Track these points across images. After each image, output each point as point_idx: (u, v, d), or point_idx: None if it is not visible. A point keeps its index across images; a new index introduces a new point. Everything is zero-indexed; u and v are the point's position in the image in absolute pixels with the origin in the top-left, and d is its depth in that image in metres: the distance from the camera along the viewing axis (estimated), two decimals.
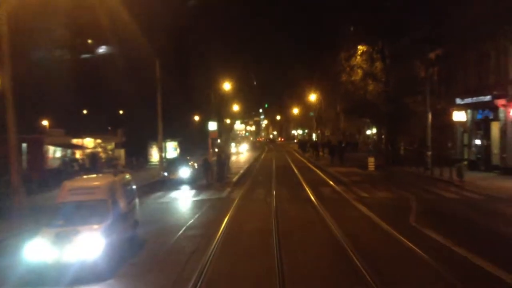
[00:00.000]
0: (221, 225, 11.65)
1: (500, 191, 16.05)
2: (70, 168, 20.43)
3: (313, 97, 64.93)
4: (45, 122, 30.76)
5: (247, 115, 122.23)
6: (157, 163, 28.35)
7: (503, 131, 21.05)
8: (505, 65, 20.71)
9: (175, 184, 21.32)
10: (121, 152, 28.00)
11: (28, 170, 17.59)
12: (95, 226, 8.56)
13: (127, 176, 11.36)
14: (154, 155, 31.46)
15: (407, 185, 18.51)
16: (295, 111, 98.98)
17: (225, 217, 12.78)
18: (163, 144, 29.16)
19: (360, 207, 13.80)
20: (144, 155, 31.45)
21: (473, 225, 11.48)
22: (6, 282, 8.15)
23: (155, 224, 12.26)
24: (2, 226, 11.98)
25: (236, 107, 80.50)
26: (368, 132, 48.55)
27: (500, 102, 20.43)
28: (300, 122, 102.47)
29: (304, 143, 55.04)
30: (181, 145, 36.41)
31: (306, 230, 11.26)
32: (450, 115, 25.49)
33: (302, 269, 8.08)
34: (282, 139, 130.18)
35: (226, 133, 67.86)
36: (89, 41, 24.93)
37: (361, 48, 29.92)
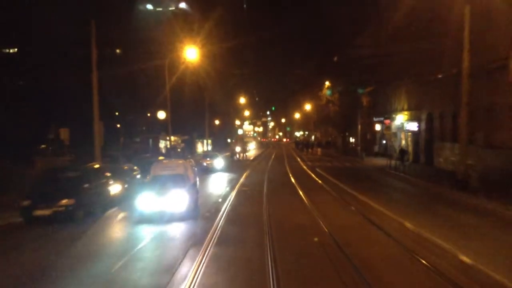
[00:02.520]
0: (245, 172, 31.53)
1: (373, 164, 36.05)
2: (170, 152, 40.71)
3: (308, 107, 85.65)
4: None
5: (255, 116, 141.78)
6: (201, 153, 48.61)
7: (390, 136, 41.34)
8: (391, 102, 40.83)
9: (212, 170, 31.80)
10: (182, 145, 48.35)
11: (152, 152, 37.99)
12: (181, 188, 13.48)
13: (192, 161, 19.12)
14: (199, 148, 52.10)
15: (334, 161, 38.86)
16: (297, 115, 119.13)
17: (246, 170, 32.89)
18: (204, 141, 49.71)
19: (304, 166, 34.15)
20: (193, 147, 51.97)
21: (345, 172, 31.37)
22: (129, 220, 13.72)
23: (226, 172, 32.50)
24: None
25: (247, 113, 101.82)
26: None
27: (386, 122, 40.64)
28: (301, 125, 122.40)
29: (298, 142, 75.54)
30: (212, 142, 56.96)
31: (278, 172, 31.24)
32: (374, 126, 45.85)
33: (275, 177, 28.15)
34: (275, 139, 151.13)
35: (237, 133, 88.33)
36: None
37: (326, 84, 50.42)
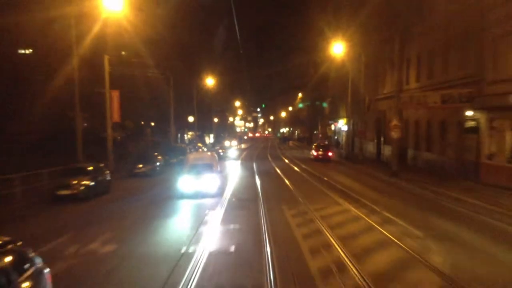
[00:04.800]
0: (243, 154, 54.43)
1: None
2: (192, 142, 63.00)
3: (290, 108, 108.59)
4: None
5: (245, 112, 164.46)
6: (209, 145, 71.23)
7: (332, 134, 64.43)
8: (338, 111, 63.73)
9: (227, 157, 47.18)
10: (195, 138, 70.72)
11: (181, 141, 60.23)
12: (213, 174, 18.81)
13: (215, 154, 24.36)
14: (207, 140, 74.64)
15: (299, 149, 61.88)
16: (283, 114, 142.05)
17: (243, 153, 55.71)
18: (210, 135, 72.51)
19: (278, 152, 57.19)
20: (203, 140, 74.41)
21: (300, 155, 54.38)
22: (173, 196, 18.60)
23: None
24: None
25: (239, 111, 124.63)
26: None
27: (335, 124, 63.67)
28: (287, 123, 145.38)
29: (280, 137, 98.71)
30: (215, 136, 79.63)
31: (261, 155, 54.20)
32: (330, 126, 68.94)
33: (259, 157, 50.98)
34: (258, 135, 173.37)
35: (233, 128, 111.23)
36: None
37: (300, 96, 73.31)
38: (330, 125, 68.25)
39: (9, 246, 5.95)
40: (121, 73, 30.18)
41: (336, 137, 66.32)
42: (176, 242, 11.24)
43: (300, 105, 72.39)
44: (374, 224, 12.78)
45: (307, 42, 59.22)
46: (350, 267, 8.85)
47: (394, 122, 26.73)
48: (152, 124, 48.91)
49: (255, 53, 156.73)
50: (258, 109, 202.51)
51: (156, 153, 31.05)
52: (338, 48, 38.75)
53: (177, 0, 36.19)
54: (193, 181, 18.33)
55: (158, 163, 29.11)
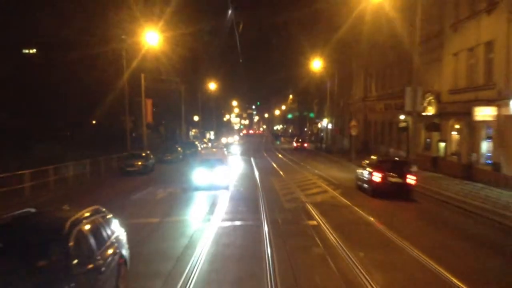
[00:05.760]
0: (241, 149, 64.83)
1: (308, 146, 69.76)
2: (197, 138, 73.21)
3: (283, 107, 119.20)
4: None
5: (241, 109, 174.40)
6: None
7: (318, 131, 75.19)
8: (324, 111, 74.41)
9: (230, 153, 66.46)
10: (198, 135, 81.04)
11: (187, 137, 70.70)
12: (225, 167, 21.48)
13: (225, 150, 29.17)
14: (207, 136, 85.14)
15: (289, 144, 72.62)
16: (277, 112, 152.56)
17: (242, 148, 66.22)
18: (210, 132, 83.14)
19: (271, 146, 67.83)
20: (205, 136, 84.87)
21: (289, 149, 65.11)
22: (188, 189, 21.22)
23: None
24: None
25: (236, 110, 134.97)
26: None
27: (320, 122, 74.34)
28: (280, 121, 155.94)
29: (273, 134, 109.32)
30: (215, 133, 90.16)
31: (256, 149, 64.82)
32: (317, 125, 79.64)
33: (255, 150, 61.45)
34: (252, 132, 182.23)
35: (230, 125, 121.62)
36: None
37: (290, 97, 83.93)
38: (317, 123, 78.95)
39: (98, 215, 6.98)
40: (149, 87, 40.54)
41: (321, 134, 76.99)
42: (211, 190, 21.81)
43: (289, 116, 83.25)
44: (318, 182, 23.49)
45: (297, 54, 69.67)
46: (300, 196, 19.44)
47: (352, 122, 37.37)
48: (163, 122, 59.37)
49: (253, 55, 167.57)
50: (253, 106, 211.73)
51: (177, 146, 41.45)
52: (318, 63, 49.40)
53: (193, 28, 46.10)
54: (207, 173, 20.83)
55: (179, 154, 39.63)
